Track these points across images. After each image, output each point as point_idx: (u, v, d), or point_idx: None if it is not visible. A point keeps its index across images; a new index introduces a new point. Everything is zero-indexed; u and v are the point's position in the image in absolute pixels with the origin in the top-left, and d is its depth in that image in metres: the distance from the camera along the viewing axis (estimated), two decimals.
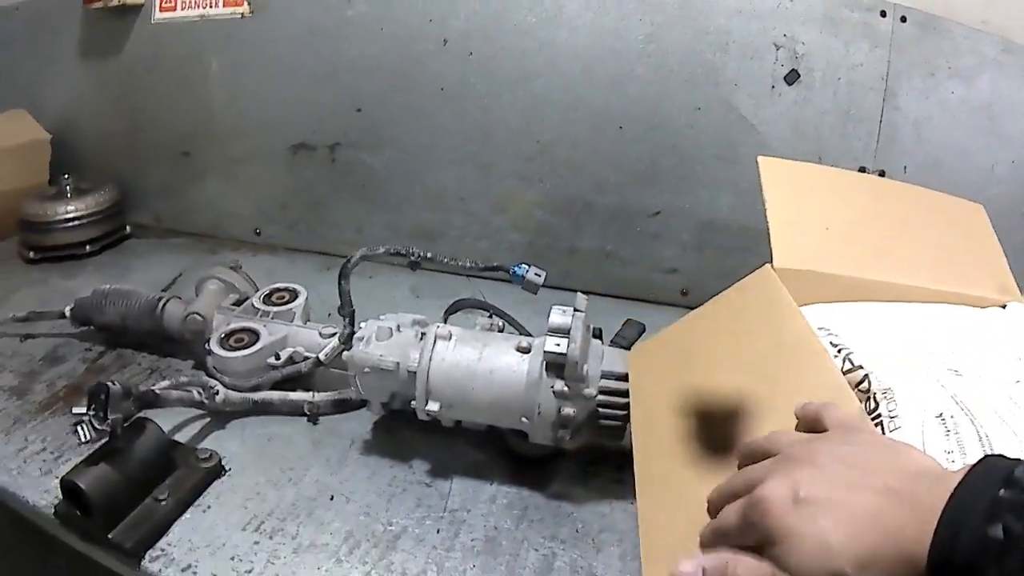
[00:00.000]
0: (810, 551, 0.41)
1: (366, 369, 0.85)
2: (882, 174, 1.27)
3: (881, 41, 1.24)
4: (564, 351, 0.79)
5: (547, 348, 0.80)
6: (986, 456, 0.41)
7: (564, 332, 0.80)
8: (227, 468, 0.89)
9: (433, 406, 0.83)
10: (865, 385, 0.66)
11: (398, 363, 0.85)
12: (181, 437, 0.93)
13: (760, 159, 0.95)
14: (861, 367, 0.67)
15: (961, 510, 0.37)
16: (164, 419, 0.91)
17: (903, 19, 1.24)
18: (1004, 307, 0.88)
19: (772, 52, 1.25)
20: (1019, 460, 0.38)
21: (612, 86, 1.32)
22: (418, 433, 0.94)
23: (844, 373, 0.67)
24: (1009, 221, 1.33)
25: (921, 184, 1.30)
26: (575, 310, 0.83)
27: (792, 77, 1.25)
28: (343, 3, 1.44)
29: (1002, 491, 0.36)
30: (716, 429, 0.63)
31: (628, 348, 0.95)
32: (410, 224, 1.50)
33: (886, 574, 0.38)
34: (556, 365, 0.81)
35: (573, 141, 1.36)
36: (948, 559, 0.36)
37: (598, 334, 0.91)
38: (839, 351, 0.71)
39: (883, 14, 1.23)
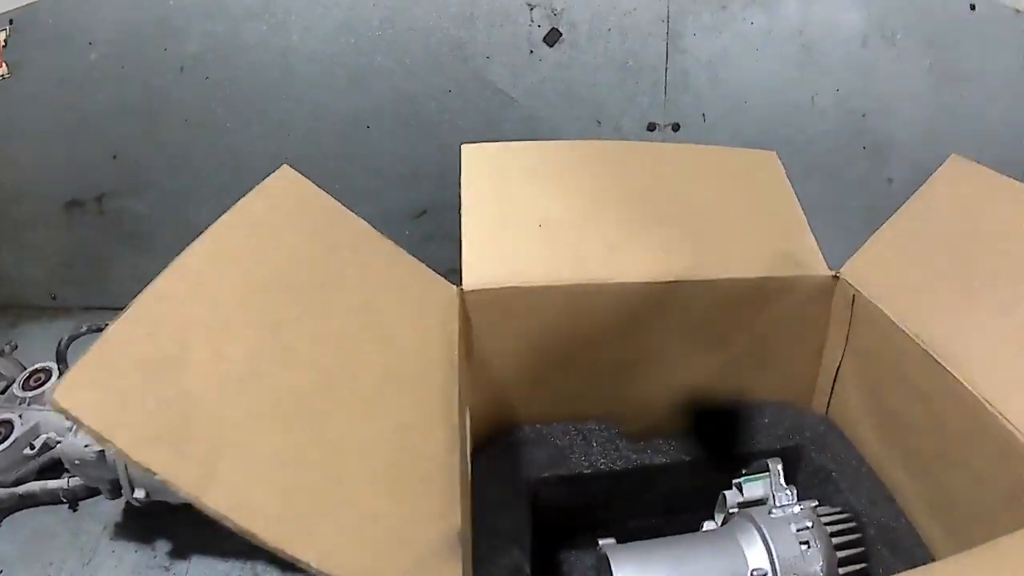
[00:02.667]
0: None
1: (76, 460, 0.82)
2: (676, 128, 1.07)
3: None
4: None
5: None
6: None
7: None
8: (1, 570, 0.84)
9: (139, 493, 0.79)
10: None
11: (102, 451, 0.80)
12: None
13: (464, 148, 0.74)
14: None
15: None
16: None
17: None
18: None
19: (525, 13, 1.04)
20: None
21: (352, 84, 1.11)
22: (166, 510, 0.87)
23: None
24: (839, 157, 1.15)
25: (729, 131, 1.11)
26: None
27: (553, 37, 1.04)
28: (86, 48, 1.24)
29: None
30: None
31: None
32: None
33: None
34: None
35: (323, 153, 1.15)
36: None
37: None
38: None
39: None
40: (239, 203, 0.53)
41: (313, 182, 0.66)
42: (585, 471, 0.70)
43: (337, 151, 1.15)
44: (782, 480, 0.63)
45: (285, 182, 0.59)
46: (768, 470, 0.64)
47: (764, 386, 0.75)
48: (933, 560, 0.59)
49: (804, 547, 0.58)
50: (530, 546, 0.65)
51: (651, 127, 1.06)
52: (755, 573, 0.59)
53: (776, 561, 0.58)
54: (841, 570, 0.59)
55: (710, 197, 0.76)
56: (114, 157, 1.30)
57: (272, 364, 0.44)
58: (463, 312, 0.65)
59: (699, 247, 0.71)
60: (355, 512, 0.40)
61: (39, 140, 1.34)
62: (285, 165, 0.59)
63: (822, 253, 0.72)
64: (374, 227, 0.64)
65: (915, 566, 0.57)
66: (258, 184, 0.55)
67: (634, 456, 0.71)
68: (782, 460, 0.71)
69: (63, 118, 1.31)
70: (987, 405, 0.53)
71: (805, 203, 0.76)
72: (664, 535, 0.63)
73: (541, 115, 1.06)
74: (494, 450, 0.73)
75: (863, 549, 0.62)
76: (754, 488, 0.64)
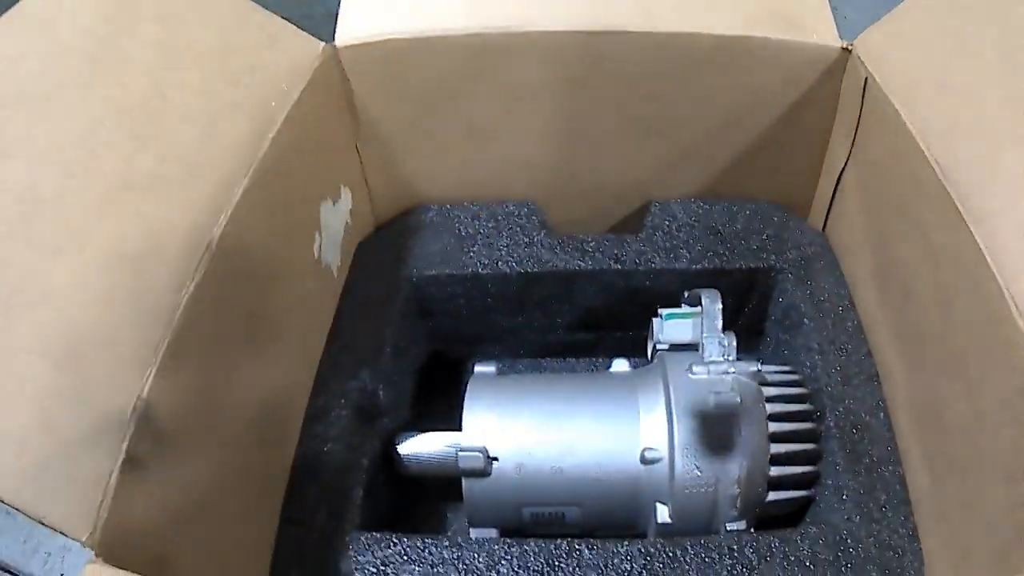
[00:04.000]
0: None
1: None
2: None
3: None
4: None
5: None
6: None
7: None
8: None
9: None
10: None
11: None
12: None
13: None
14: None
15: None
16: None
17: None
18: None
19: None
20: None
21: None
22: None
23: None
24: None
25: None
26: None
27: None
28: None
29: None
30: None
31: None
32: None
33: None
34: None
35: None
36: None
37: None
38: None
39: None
40: None
41: None
42: (482, 271, 0.53)
43: None
44: (719, 323, 0.44)
45: None
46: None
47: (743, 184, 0.56)
48: (902, 478, 0.43)
49: None
50: (395, 363, 0.51)
51: None
52: (646, 454, 0.43)
53: (675, 444, 0.42)
54: (774, 470, 0.43)
55: None
56: None
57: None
58: (342, 74, 0.49)
59: None
60: None
61: None
62: None
63: (835, 20, 0.51)
64: None
65: (878, 488, 0.42)
66: None
67: (547, 257, 0.53)
68: (750, 287, 0.53)
69: None
70: (1003, 291, 0.33)
71: None
72: (594, 355, 0.48)
73: None
74: (382, 238, 0.57)
75: (811, 447, 0.45)
76: (676, 329, 0.46)
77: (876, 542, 0.40)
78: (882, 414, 0.45)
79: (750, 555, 0.40)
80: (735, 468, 0.41)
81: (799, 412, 0.44)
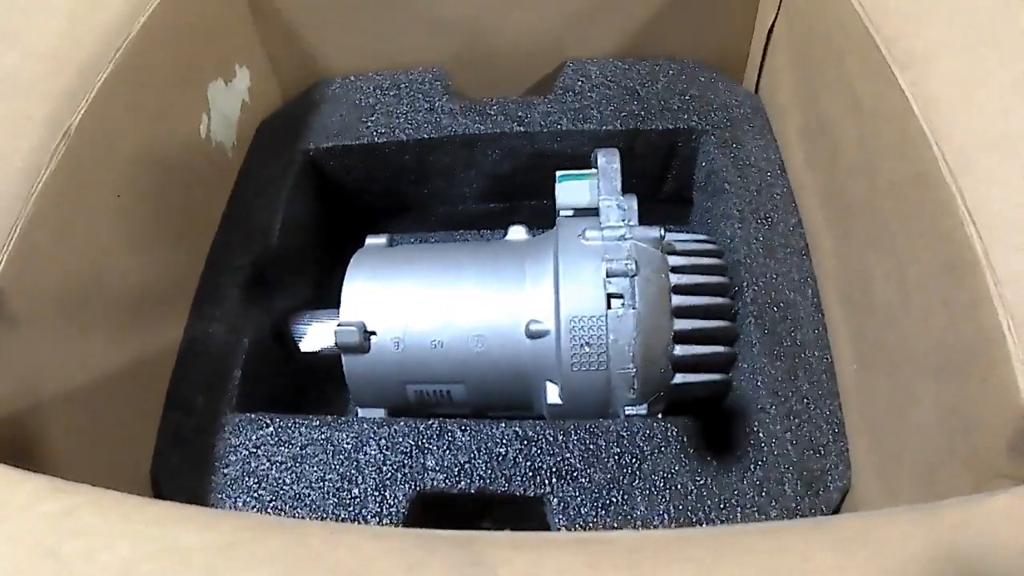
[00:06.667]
0: None
1: None
2: None
3: None
4: None
5: None
6: None
7: None
8: None
9: None
10: None
11: None
12: None
13: None
14: None
15: None
16: None
17: None
18: None
19: None
20: None
21: None
22: None
23: None
24: None
25: None
26: None
27: None
28: None
29: None
30: None
31: None
32: None
33: None
34: None
35: None
36: None
37: None
38: None
39: None
40: None
41: None
42: (378, 139, 0.46)
43: None
44: (616, 184, 0.38)
45: None
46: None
47: (670, 44, 0.49)
48: (830, 366, 0.37)
49: (617, 304, 0.35)
50: (288, 241, 0.46)
51: None
52: (531, 327, 0.37)
53: (561, 317, 0.36)
54: (679, 348, 0.36)
55: None
56: None
57: None
58: None
59: None
60: None
61: None
62: None
63: None
64: None
65: (800, 375, 0.36)
66: None
67: (446, 122, 0.47)
68: (671, 150, 0.47)
69: None
70: (932, 145, 0.27)
71: None
72: (504, 226, 0.42)
73: None
74: (283, 115, 0.52)
75: (724, 324, 0.38)
76: (571, 192, 0.39)
77: (795, 438, 0.34)
78: (810, 291, 0.39)
79: (641, 443, 0.34)
80: (629, 345, 0.35)
81: (710, 285, 0.38)
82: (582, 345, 0.35)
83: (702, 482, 0.33)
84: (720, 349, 0.38)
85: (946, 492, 0.25)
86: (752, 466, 0.34)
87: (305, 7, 0.49)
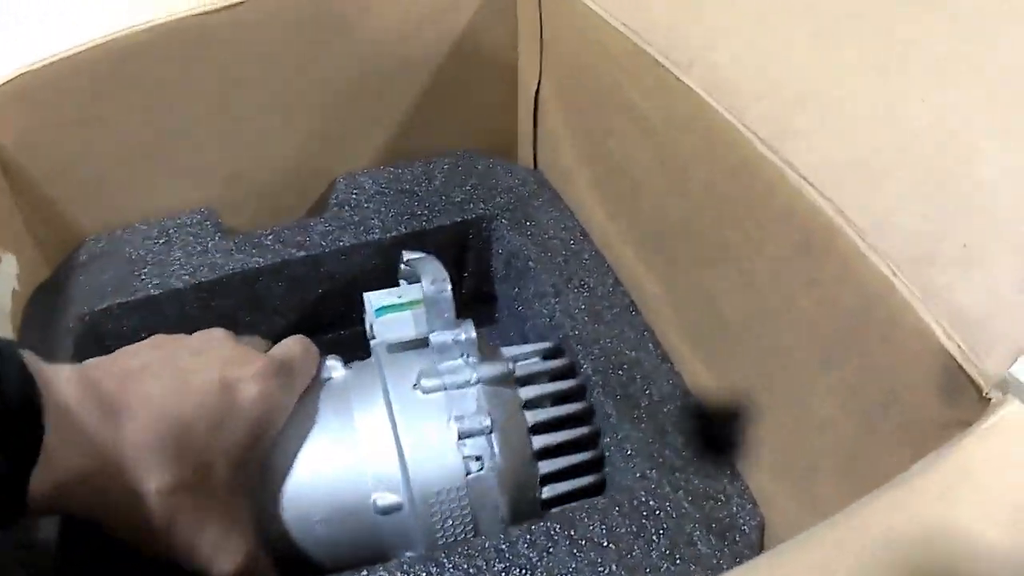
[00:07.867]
0: None
1: None
2: None
3: None
4: None
5: None
6: None
7: None
8: None
9: None
10: None
11: None
12: None
13: None
14: None
15: None
16: None
17: None
18: None
19: None
20: None
21: None
22: None
23: None
24: None
25: None
26: None
27: None
28: None
29: None
30: None
31: None
32: None
33: None
34: None
35: None
36: None
37: None
38: None
39: None
40: None
41: None
42: (153, 292, 0.40)
43: None
44: (450, 314, 0.32)
45: None
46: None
47: (439, 139, 0.47)
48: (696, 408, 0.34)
49: (475, 466, 0.30)
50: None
51: None
52: (378, 503, 0.30)
53: (413, 491, 0.30)
54: (543, 465, 0.32)
55: None
56: None
57: None
58: None
59: None
60: None
61: None
62: None
63: None
64: None
65: (669, 430, 0.33)
66: None
67: (222, 261, 0.41)
68: (463, 245, 0.44)
69: None
70: (736, 127, 0.27)
71: None
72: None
73: None
74: (53, 282, 0.44)
75: (592, 456, 0.34)
76: (392, 327, 0.34)
77: (686, 493, 0.30)
78: (650, 344, 0.36)
79: (525, 551, 0.28)
80: (496, 507, 0.31)
81: (570, 413, 0.34)
82: (444, 520, 0.30)
83: (607, 572, 0.28)
84: (587, 456, 0.34)
85: (875, 476, 0.21)
86: (655, 537, 0.29)
87: (61, 172, 0.43)
